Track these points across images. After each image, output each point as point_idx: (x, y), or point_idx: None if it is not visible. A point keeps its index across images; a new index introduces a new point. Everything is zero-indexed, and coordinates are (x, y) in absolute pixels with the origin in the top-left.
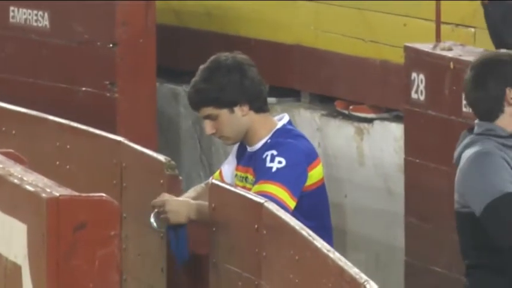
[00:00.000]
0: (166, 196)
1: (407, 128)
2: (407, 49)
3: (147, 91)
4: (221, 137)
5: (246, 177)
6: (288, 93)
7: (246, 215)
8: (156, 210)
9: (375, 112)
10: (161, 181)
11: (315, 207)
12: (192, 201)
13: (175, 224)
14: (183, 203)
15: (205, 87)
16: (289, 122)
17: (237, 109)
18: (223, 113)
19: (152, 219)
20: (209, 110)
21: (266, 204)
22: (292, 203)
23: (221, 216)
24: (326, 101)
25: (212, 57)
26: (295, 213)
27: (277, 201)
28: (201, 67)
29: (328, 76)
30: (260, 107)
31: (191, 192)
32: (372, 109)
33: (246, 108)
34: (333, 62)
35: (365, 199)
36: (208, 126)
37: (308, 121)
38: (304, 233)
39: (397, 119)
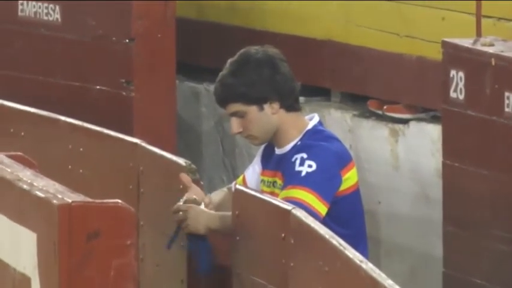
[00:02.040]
0: (190, 197)
1: (446, 129)
2: (445, 44)
3: (165, 90)
4: (248, 137)
5: (274, 182)
6: (317, 92)
7: (272, 223)
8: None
9: (411, 112)
10: (181, 186)
11: (348, 213)
12: (213, 212)
13: (193, 232)
14: (203, 213)
15: (233, 82)
16: (320, 123)
17: (266, 106)
18: (252, 110)
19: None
20: (237, 107)
21: (294, 211)
22: (323, 209)
23: (245, 224)
24: (358, 101)
25: (242, 50)
26: (327, 220)
27: (306, 207)
28: (230, 60)
29: (360, 74)
30: (292, 106)
31: (213, 197)
32: (408, 109)
33: (276, 105)
34: (365, 58)
35: (400, 206)
36: (235, 124)
37: (339, 122)
38: (334, 242)
39: (434, 119)
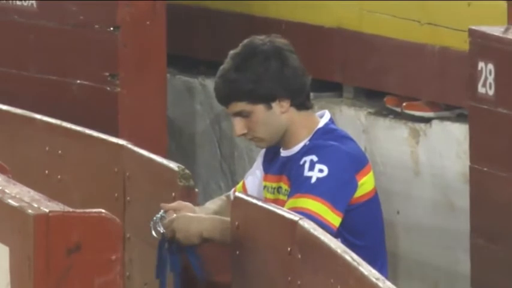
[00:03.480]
0: (180, 206)
1: (473, 129)
2: (472, 33)
3: (155, 84)
4: (253, 139)
5: (279, 188)
6: (327, 87)
7: (277, 235)
8: (159, 215)
9: (433, 110)
10: (173, 194)
11: (365, 223)
12: (205, 216)
13: (185, 245)
14: (193, 219)
15: (237, 78)
16: (331, 120)
17: (275, 105)
18: (259, 109)
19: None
20: (241, 106)
21: (301, 222)
22: (336, 220)
23: (246, 236)
24: (373, 97)
25: (245, 41)
26: (341, 230)
27: (317, 219)
28: (232, 53)
29: (375, 66)
30: (302, 103)
31: (210, 205)
32: (430, 106)
33: (286, 103)
34: (381, 49)
35: (421, 216)
36: (239, 125)
37: (351, 121)
38: (347, 257)
39: (460, 118)
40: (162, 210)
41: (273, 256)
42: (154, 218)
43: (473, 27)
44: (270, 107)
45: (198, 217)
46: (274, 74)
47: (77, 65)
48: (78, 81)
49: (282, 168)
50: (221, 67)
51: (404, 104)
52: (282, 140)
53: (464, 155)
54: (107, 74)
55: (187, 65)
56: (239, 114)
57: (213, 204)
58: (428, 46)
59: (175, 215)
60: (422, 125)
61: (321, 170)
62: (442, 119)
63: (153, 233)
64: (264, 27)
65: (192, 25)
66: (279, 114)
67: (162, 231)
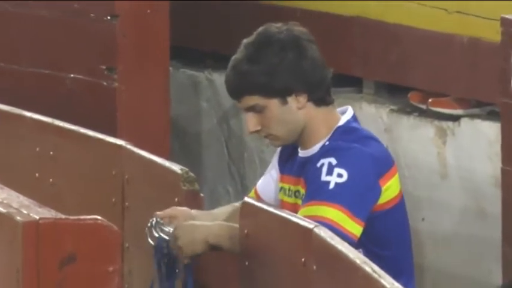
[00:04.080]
0: (176, 212)
1: (506, 128)
2: (505, 22)
3: (157, 79)
4: (268, 136)
5: (297, 192)
6: (346, 82)
7: (290, 245)
8: (154, 221)
9: (462, 107)
10: (176, 199)
11: (390, 232)
12: (209, 223)
13: (189, 255)
14: (197, 225)
15: (250, 69)
16: (354, 118)
17: (291, 99)
18: (273, 104)
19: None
20: (254, 100)
21: (317, 230)
22: (357, 230)
23: (256, 245)
24: (396, 93)
25: (260, 29)
26: (363, 239)
27: (334, 228)
28: (245, 42)
29: (399, 59)
30: (322, 98)
31: (218, 212)
32: (458, 103)
33: (303, 98)
34: (405, 40)
35: (448, 223)
36: (252, 122)
37: (372, 119)
38: (367, 268)
39: (491, 116)
40: (154, 219)
41: (286, 267)
42: (149, 225)
43: (506, 16)
44: (285, 102)
45: (202, 224)
46: (290, 66)
47: (71, 57)
48: (72, 76)
49: (301, 170)
50: (233, 57)
51: (430, 100)
52: (300, 139)
53: (495, 156)
54: (104, 67)
55: (192, 58)
56: (252, 109)
57: (222, 211)
58: (456, 37)
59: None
60: (450, 124)
61: (340, 175)
62: (471, 116)
63: (149, 239)
64: (277, 16)
65: (198, 14)
66: (296, 110)
67: (158, 236)
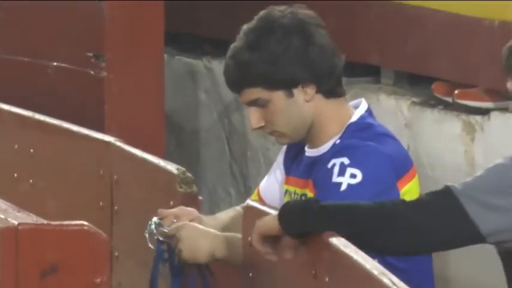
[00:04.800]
0: (182, 212)
1: None
2: None
3: (150, 68)
4: (273, 133)
5: (304, 195)
6: (362, 71)
7: (299, 254)
8: (156, 221)
9: (492, 99)
10: (171, 202)
11: None
12: (218, 233)
13: (189, 262)
14: (204, 233)
15: (251, 58)
16: (369, 112)
17: (297, 91)
18: (277, 96)
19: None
20: (256, 93)
21: (329, 237)
22: None
23: (261, 255)
24: (418, 83)
25: (262, 13)
26: None
27: None
28: (246, 27)
29: (421, 45)
30: (332, 90)
31: (221, 216)
32: (488, 95)
33: (311, 90)
34: (428, 24)
35: None
36: (255, 117)
37: (391, 112)
38: (385, 280)
39: None
40: (156, 217)
41: (295, 279)
42: (150, 223)
43: None
44: (291, 94)
45: (211, 232)
46: (295, 54)
47: (53, 43)
48: (55, 64)
49: (308, 171)
50: (232, 45)
51: (456, 92)
52: (308, 136)
53: None
54: (91, 54)
55: (189, 44)
56: (254, 103)
57: (224, 216)
58: (485, 21)
59: (176, 221)
60: (478, 118)
61: (353, 175)
62: (502, 110)
63: (149, 243)
64: None
65: None
66: (303, 103)
67: (159, 239)
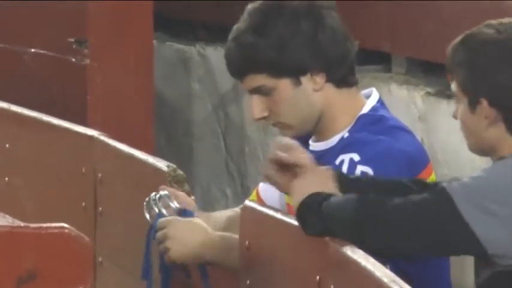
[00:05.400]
0: (182, 197)
1: None
2: None
3: (138, 55)
4: (277, 124)
5: None
6: (372, 59)
7: (302, 259)
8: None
9: None
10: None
11: None
12: (211, 231)
13: (176, 261)
14: (195, 230)
15: (256, 42)
16: (381, 103)
17: (306, 80)
18: (284, 84)
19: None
20: (261, 80)
21: (334, 241)
22: None
23: (260, 260)
24: (433, 72)
25: None
26: None
27: None
28: (250, 8)
29: (436, 30)
30: (343, 78)
31: (218, 215)
32: None
33: (320, 78)
34: (443, 8)
35: None
36: (258, 106)
37: (404, 104)
38: (395, 287)
39: None
40: (163, 191)
41: (297, 286)
42: (153, 196)
43: None
44: (298, 83)
45: (203, 229)
46: (305, 39)
47: (32, 28)
48: (33, 50)
49: None
50: (235, 26)
51: None
52: (316, 129)
53: None
54: (72, 40)
55: (181, 29)
56: (257, 91)
57: (221, 216)
58: (505, 3)
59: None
60: None
61: (363, 174)
62: None
63: (146, 213)
64: None
65: None
66: (311, 92)
67: (159, 212)
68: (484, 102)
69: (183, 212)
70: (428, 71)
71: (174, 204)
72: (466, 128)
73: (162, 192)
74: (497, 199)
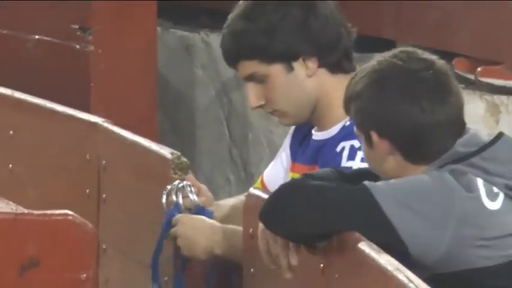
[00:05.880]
0: (202, 190)
1: None
2: None
3: (141, 42)
4: (273, 113)
5: None
6: (376, 46)
7: (305, 247)
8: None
9: None
10: (167, 189)
11: None
12: (220, 226)
13: (189, 257)
14: (202, 227)
15: (246, 28)
16: None
17: (298, 65)
18: (276, 70)
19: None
20: (253, 66)
21: None
22: None
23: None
24: None
25: None
26: None
27: None
28: None
29: (440, 18)
30: (338, 64)
31: (222, 207)
32: None
33: (312, 63)
34: None
35: None
36: (253, 94)
37: None
38: (401, 277)
39: None
40: (186, 182)
41: (301, 276)
42: (174, 185)
43: None
44: (290, 68)
45: (209, 226)
46: (294, 23)
47: (35, 14)
48: (37, 37)
49: (315, 156)
50: (230, 15)
51: (479, 69)
52: (314, 117)
53: None
54: (76, 27)
55: (184, 15)
56: (251, 78)
57: (226, 204)
58: None
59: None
60: (504, 98)
61: (364, 160)
62: None
63: (163, 200)
64: None
65: None
66: (304, 77)
67: (178, 203)
68: (374, 135)
69: (202, 211)
70: None
71: (193, 197)
72: (369, 163)
73: (184, 182)
74: (417, 197)
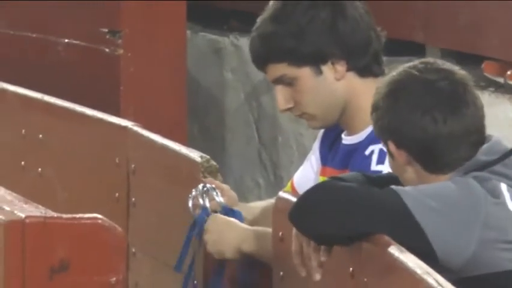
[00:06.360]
0: (225, 190)
1: None
2: None
3: (171, 45)
4: (302, 116)
5: None
6: (405, 49)
7: (335, 251)
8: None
9: None
10: (193, 192)
11: None
12: (247, 227)
13: (214, 256)
14: (232, 226)
15: (274, 30)
16: None
17: (326, 68)
18: (304, 73)
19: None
20: (281, 69)
21: None
22: None
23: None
24: (468, 62)
25: None
26: None
27: None
28: None
29: (470, 21)
30: (367, 67)
31: (252, 209)
32: None
33: (341, 66)
34: None
35: None
36: (282, 97)
37: None
38: (430, 280)
39: None
40: (209, 185)
41: (329, 279)
42: (200, 189)
43: None
44: (319, 71)
45: (240, 225)
46: (323, 26)
47: (64, 17)
48: (66, 41)
49: (346, 160)
50: (259, 17)
51: (509, 72)
52: (343, 120)
53: None
54: (106, 30)
55: (214, 19)
56: (280, 80)
57: (256, 207)
58: None
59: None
60: None
61: None
62: None
63: (190, 204)
64: None
65: None
66: (333, 81)
67: (204, 206)
68: (392, 146)
69: (230, 212)
70: (462, 62)
71: (219, 198)
72: (393, 172)
73: (208, 185)
74: (445, 202)
